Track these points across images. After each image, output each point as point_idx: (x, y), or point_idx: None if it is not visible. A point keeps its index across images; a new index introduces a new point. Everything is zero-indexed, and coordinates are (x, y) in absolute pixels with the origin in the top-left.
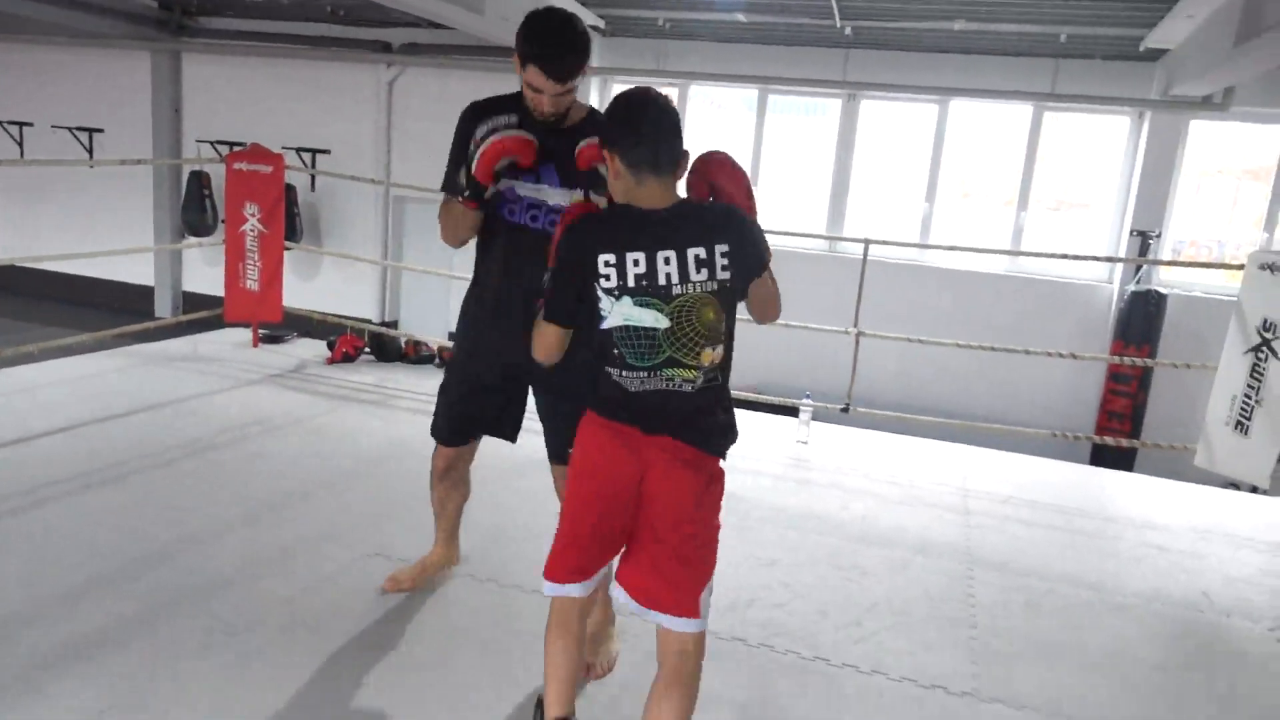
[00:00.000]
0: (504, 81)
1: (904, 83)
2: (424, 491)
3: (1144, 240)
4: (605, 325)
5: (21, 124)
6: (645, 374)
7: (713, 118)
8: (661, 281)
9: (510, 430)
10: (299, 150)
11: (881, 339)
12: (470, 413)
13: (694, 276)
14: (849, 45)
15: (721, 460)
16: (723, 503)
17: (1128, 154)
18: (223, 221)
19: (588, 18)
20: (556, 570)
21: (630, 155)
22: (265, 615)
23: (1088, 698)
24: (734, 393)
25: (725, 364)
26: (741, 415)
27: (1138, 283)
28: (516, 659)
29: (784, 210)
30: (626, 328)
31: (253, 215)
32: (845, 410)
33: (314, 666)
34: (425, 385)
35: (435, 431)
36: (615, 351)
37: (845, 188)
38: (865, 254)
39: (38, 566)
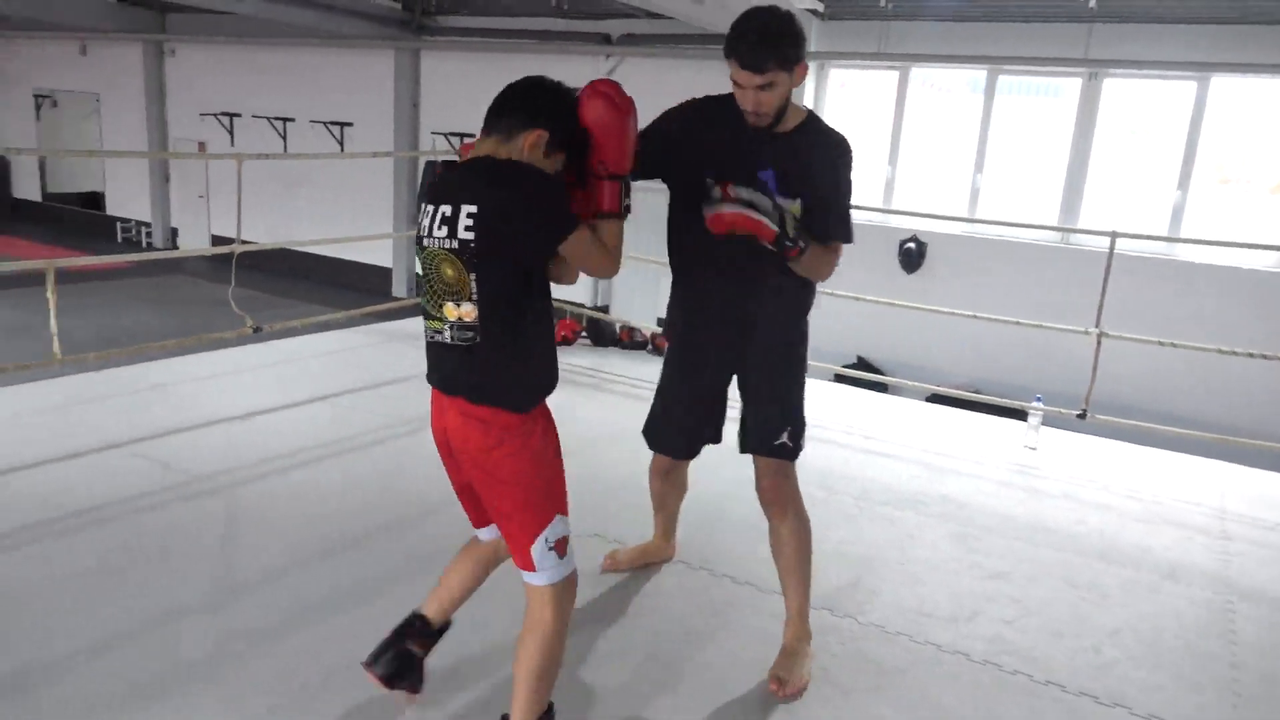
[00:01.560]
0: (721, 71)
1: (1156, 58)
2: (640, 476)
3: None
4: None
5: (285, 120)
6: (428, 319)
7: (934, 102)
8: (423, 233)
9: (714, 435)
10: None
11: (1125, 341)
12: (686, 425)
13: (436, 233)
14: (1092, 19)
15: (514, 411)
16: (938, 507)
17: None
18: None
19: (804, 0)
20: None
21: None
22: (486, 587)
23: None
24: (946, 390)
25: (490, 325)
26: (958, 416)
27: None
28: (725, 648)
29: (1012, 199)
30: (419, 273)
31: None
32: (1082, 416)
33: None
34: (638, 371)
35: (651, 441)
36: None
37: (1082, 175)
38: (1111, 248)
39: (296, 525)
